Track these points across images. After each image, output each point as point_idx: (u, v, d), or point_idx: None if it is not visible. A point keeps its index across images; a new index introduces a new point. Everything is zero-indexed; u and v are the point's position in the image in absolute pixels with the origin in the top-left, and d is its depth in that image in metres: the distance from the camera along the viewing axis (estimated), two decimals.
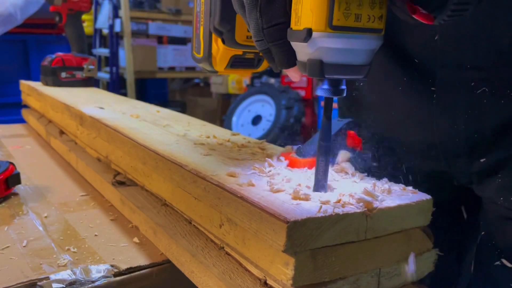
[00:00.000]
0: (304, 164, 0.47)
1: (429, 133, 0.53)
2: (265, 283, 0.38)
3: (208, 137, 0.64)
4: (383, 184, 0.43)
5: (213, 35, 0.48)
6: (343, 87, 0.38)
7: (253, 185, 0.41)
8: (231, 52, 0.48)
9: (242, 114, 3.28)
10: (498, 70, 0.47)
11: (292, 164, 0.47)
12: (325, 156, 0.39)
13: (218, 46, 0.48)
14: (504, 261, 0.52)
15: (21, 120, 1.39)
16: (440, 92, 0.51)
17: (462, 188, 0.58)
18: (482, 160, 0.51)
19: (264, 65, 0.52)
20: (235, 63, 0.49)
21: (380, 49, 0.45)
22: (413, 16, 0.33)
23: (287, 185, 0.41)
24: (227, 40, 0.47)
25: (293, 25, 0.37)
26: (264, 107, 3.18)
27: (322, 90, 0.38)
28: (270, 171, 0.45)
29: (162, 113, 0.86)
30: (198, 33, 0.50)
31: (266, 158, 0.49)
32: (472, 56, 0.48)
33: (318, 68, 0.36)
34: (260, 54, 0.47)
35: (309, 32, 0.34)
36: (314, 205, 0.36)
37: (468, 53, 0.48)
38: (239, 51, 0.49)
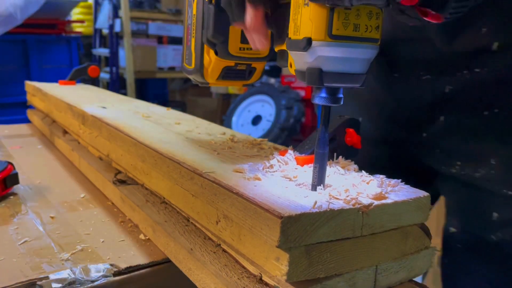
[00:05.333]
0: (310, 160, 0.47)
1: None
2: (261, 279, 0.39)
3: (211, 135, 0.64)
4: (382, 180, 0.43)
5: (205, 47, 0.49)
6: (341, 95, 0.39)
7: (259, 179, 0.42)
8: (223, 63, 0.49)
9: (242, 114, 3.28)
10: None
11: (298, 161, 0.48)
12: (321, 163, 0.40)
13: (210, 57, 0.49)
14: None
15: (22, 120, 1.39)
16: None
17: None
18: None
19: (255, 77, 0.53)
20: (227, 74, 0.50)
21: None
22: (425, 18, 0.34)
23: (302, 178, 0.42)
24: (220, 52, 0.48)
25: (292, 35, 0.38)
26: (264, 107, 3.18)
27: (320, 99, 0.38)
28: (280, 166, 0.46)
29: (166, 112, 0.87)
30: (189, 45, 0.50)
31: (276, 155, 0.49)
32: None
33: (318, 77, 0.37)
34: (252, 65, 0.47)
35: (308, 41, 0.36)
36: (309, 200, 0.36)
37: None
38: (231, 63, 0.49)
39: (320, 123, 0.40)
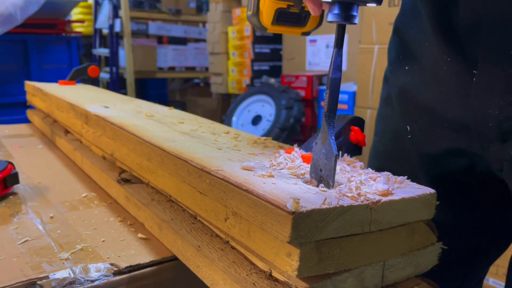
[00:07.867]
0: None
1: (465, 114, 0.53)
2: (270, 275, 0.39)
3: (215, 134, 0.64)
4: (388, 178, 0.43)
5: None
6: (355, 13, 0.37)
7: (272, 176, 0.42)
8: (275, 4, 0.49)
9: (242, 114, 3.29)
10: None
11: (305, 159, 0.48)
12: (333, 89, 0.39)
13: (265, 0, 0.49)
14: None
15: (22, 120, 1.40)
16: (479, 76, 0.51)
17: (493, 178, 0.57)
18: None
19: (311, 23, 0.52)
20: (281, 17, 0.50)
21: (431, 29, 0.45)
22: None
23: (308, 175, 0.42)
24: None
25: None
26: (264, 107, 3.18)
27: (333, 15, 0.37)
28: (287, 163, 0.46)
29: (169, 112, 0.87)
30: None
31: (282, 153, 0.49)
32: None
33: None
34: (306, 8, 0.47)
35: None
36: (319, 197, 0.36)
37: (510, 40, 0.47)
38: (283, 4, 0.49)
39: (334, 44, 0.38)
